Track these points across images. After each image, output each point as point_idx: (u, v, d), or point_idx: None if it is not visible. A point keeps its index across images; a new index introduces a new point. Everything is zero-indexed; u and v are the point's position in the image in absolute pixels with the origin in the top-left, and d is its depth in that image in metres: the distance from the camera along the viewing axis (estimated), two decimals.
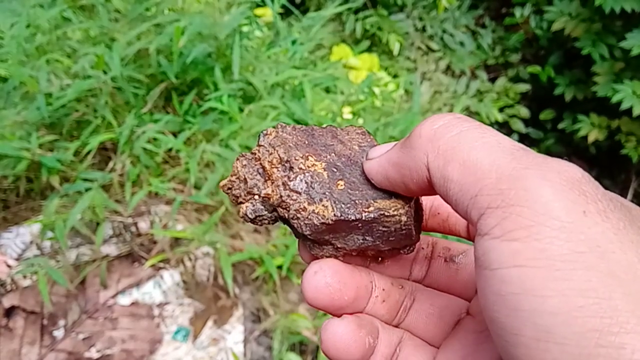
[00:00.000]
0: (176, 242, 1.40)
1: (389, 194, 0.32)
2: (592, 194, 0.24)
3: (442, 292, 0.37)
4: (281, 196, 0.33)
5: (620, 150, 2.28)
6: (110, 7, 1.59)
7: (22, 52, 1.47)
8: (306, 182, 0.33)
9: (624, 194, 2.46)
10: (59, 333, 1.29)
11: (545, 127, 2.70)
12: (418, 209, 0.35)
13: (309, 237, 0.33)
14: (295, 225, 0.33)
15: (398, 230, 0.33)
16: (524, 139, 2.69)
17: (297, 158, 0.34)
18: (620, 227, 0.23)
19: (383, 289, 0.36)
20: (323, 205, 0.32)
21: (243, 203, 0.34)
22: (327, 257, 0.35)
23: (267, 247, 1.38)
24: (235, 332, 1.35)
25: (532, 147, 2.63)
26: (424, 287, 0.38)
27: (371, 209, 0.32)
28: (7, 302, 1.29)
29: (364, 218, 0.32)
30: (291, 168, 0.33)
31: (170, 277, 1.40)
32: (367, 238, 0.33)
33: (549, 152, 2.66)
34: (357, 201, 0.32)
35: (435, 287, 0.37)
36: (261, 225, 0.35)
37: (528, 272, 0.22)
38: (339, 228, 0.32)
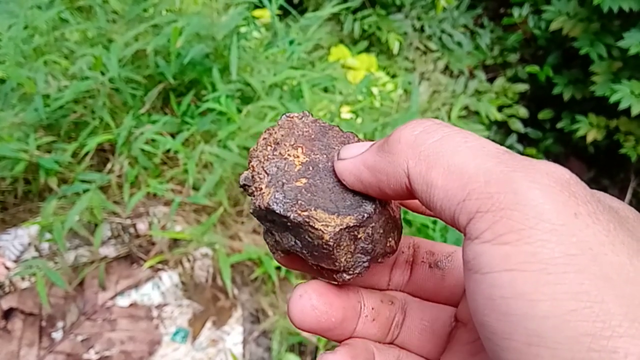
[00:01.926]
0: (175, 243, 1.40)
1: (338, 210, 0.31)
2: (582, 196, 0.24)
3: (429, 299, 0.36)
4: (255, 171, 0.33)
5: (618, 150, 2.28)
6: (108, 8, 1.59)
7: (20, 53, 1.47)
8: (277, 167, 0.33)
9: (622, 194, 2.46)
10: (57, 335, 1.29)
11: (543, 126, 2.70)
12: (374, 242, 0.33)
13: (256, 218, 0.34)
14: (251, 201, 0.33)
15: (320, 246, 0.31)
16: (522, 138, 2.69)
17: (286, 144, 0.34)
18: (611, 228, 0.23)
19: (372, 308, 0.35)
20: (269, 191, 0.32)
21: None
22: (270, 246, 0.35)
23: (265, 248, 1.38)
24: (234, 333, 1.35)
25: (531, 146, 2.65)
26: (413, 298, 0.37)
27: (304, 213, 0.31)
28: (6, 304, 1.29)
29: (290, 217, 0.31)
30: (275, 150, 0.34)
31: (169, 278, 1.39)
32: (297, 242, 0.32)
33: (548, 152, 2.67)
34: (300, 201, 0.31)
35: (421, 294, 0.37)
36: (247, 194, 0.35)
37: (519, 276, 0.22)
38: (273, 219, 0.32)
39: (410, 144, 0.27)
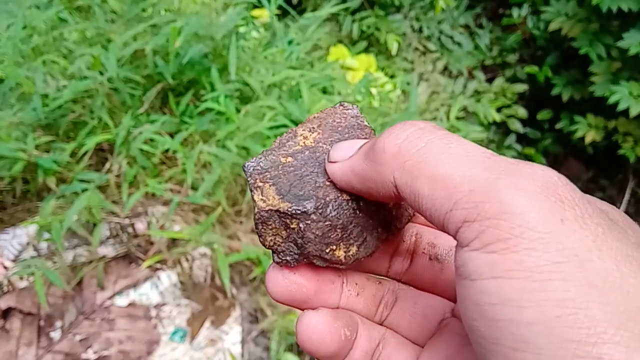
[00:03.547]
0: (173, 242, 1.40)
1: (286, 195, 0.32)
2: (570, 199, 0.24)
3: (426, 290, 0.37)
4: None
5: (617, 151, 2.28)
6: (107, 8, 1.59)
7: (19, 53, 1.47)
8: (286, 140, 0.35)
9: (621, 195, 2.46)
10: (55, 334, 1.29)
11: (542, 127, 2.70)
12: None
13: None
14: None
15: (255, 215, 0.32)
16: (521, 139, 2.69)
17: (308, 125, 0.36)
18: (599, 232, 0.23)
19: (356, 283, 0.36)
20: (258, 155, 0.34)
21: None
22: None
23: (264, 248, 1.38)
24: (232, 333, 1.35)
25: (529, 147, 2.65)
26: (407, 286, 0.37)
27: (259, 184, 0.32)
28: (4, 303, 1.29)
29: (250, 182, 0.33)
30: (300, 127, 0.36)
31: (168, 278, 1.39)
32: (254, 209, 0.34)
33: (546, 152, 2.67)
34: (267, 173, 0.33)
35: (419, 284, 0.37)
36: None
37: (505, 284, 0.22)
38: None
39: (395, 154, 0.27)
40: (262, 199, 0.32)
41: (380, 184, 0.28)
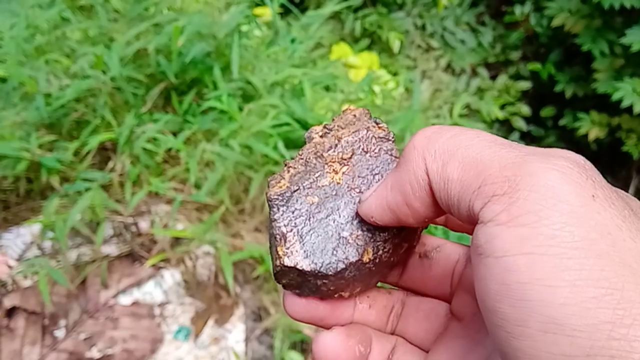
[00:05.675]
0: (177, 241, 1.40)
1: (310, 255, 0.32)
2: (598, 180, 0.24)
3: (418, 288, 0.37)
4: (299, 153, 0.35)
5: (621, 147, 2.28)
6: (109, 7, 1.59)
7: (21, 52, 1.47)
8: (313, 165, 0.34)
9: (624, 191, 2.45)
10: (60, 333, 1.29)
11: (546, 124, 2.69)
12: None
13: None
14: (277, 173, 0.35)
15: (277, 267, 0.32)
16: (525, 136, 2.69)
17: (337, 153, 0.34)
18: (626, 214, 0.23)
19: (368, 296, 0.36)
20: (281, 185, 0.33)
21: None
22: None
23: (267, 246, 1.38)
24: (236, 331, 1.35)
25: (533, 144, 2.63)
26: (411, 293, 0.38)
27: (284, 229, 0.32)
28: (8, 302, 1.29)
29: (273, 223, 0.32)
30: (329, 147, 0.34)
31: (171, 276, 1.40)
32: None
33: None
34: (291, 219, 0.32)
35: (410, 283, 0.37)
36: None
37: (537, 260, 0.21)
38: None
39: (425, 145, 0.28)
40: (285, 254, 0.32)
41: (415, 181, 0.28)
